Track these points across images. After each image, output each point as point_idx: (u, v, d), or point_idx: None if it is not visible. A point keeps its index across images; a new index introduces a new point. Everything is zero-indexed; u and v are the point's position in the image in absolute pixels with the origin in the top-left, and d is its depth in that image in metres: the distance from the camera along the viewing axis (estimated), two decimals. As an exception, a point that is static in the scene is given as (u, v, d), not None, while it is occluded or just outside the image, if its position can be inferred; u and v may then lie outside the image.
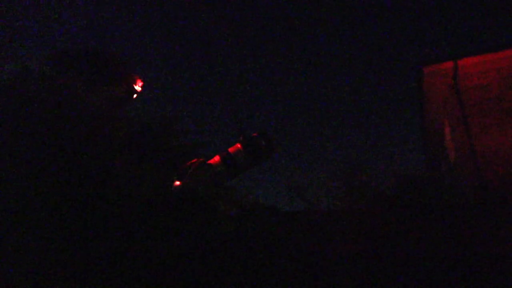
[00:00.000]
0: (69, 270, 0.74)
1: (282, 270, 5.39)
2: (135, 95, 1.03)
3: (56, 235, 0.75)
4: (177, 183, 1.03)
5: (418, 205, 7.21)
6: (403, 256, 5.05)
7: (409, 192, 8.29)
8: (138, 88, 1.01)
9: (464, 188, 7.71)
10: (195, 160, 1.05)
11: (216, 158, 1.04)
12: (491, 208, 6.26)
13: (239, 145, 1.03)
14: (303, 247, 5.71)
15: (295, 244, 5.83)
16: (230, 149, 1.04)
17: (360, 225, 6.02)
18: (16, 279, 0.80)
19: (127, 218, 0.87)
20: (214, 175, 1.01)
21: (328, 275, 5.12)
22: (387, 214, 6.80)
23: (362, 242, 5.56)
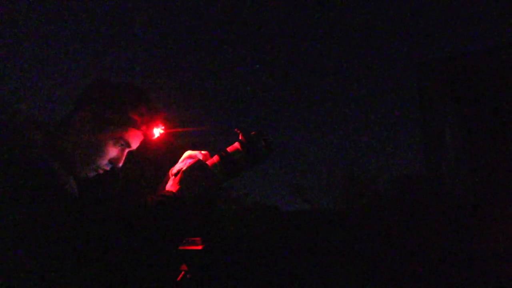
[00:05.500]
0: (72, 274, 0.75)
1: (283, 269, 5.41)
2: (154, 137, 1.02)
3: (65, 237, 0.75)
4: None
5: (417, 205, 7.22)
6: (402, 255, 5.06)
7: (408, 192, 8.30)
8: (160, 131, 1.01)
9: (463, 188, 7.72)
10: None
11: (215, 158, 1.05)
12: (489, 208, 6.27)
13: (237, 144, 1.04)
14: (304, 246, 5.72)
15: (295, 244, 5.84)
16: (229, 149, 1.04)
17: (360, 225, 6.03)
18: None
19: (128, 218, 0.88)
20: (213, 175, 1.02)
21: (328, 274, 5.13)
22: (386, 214, 6.81)
23: (362, 241, 5.57)
